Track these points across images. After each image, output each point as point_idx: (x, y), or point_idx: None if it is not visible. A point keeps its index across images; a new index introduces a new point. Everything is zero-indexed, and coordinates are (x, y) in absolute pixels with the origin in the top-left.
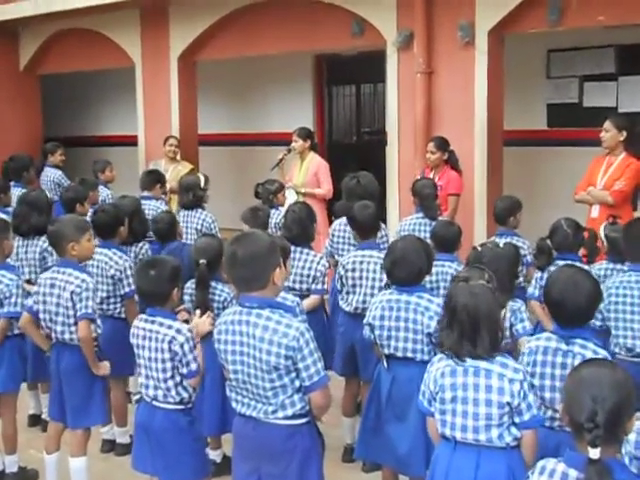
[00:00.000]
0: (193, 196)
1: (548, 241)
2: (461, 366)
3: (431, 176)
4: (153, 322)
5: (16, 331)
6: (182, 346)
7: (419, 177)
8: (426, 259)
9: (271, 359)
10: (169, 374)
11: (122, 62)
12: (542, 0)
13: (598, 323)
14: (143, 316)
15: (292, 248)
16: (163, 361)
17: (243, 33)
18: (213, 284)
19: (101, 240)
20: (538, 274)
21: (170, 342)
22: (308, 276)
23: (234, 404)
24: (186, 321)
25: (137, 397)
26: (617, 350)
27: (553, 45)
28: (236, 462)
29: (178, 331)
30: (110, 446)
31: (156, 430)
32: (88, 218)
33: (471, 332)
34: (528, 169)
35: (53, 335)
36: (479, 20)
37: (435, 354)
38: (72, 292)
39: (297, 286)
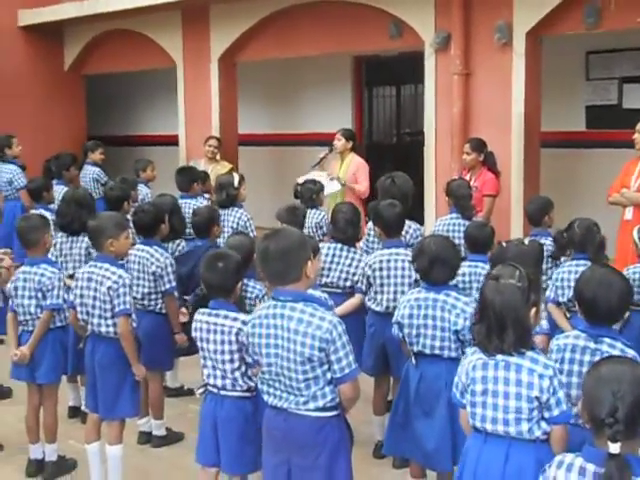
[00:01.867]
0: (226, 195)
1: (565, 235)
2: (492, 360)
3: (467, 177)
4: (217, 315)
5: (58, 323)
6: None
7: (454, 177)
8: (458, 258)
9: (305, 350)
10: (237, 364)
11: (164, 63)
12: (580, 2)
13: None
14: (206, 310)
15: (339, 246)
16: (231, 352)
17: (282, 35)
18: (245, 281)
19: (142, 238)
20: (553, 276)
21: (237, 334)
22: (354, 274)
23: (266, 397)
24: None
25: (201, 390)
26: None
27: (592, 47)
28: (266, 453)
29: (244, 322)
30: (147, 438)
31: (224, 418)
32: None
33: (497, 328)
34: (566, 171)
35: (89, 327)
36: (517, 22)
37: (462, 352)
38: (109, 287)
39: (340, 283)
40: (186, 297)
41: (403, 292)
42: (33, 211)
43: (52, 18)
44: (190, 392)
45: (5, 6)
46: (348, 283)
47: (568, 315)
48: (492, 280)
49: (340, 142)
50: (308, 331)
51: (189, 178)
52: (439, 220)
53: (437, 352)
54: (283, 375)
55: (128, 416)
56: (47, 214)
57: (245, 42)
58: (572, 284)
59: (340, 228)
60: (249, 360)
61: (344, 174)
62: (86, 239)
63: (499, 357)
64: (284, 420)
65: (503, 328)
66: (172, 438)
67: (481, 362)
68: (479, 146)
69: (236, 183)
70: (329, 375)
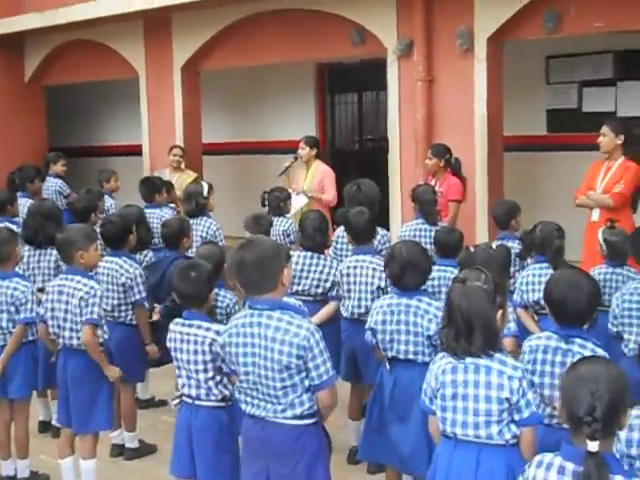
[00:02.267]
0: (196, 204)
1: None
2: (462, 363)
3: (432, 183)
4: (191, 325)
5: (30, 337)
6: (223, 347)
7: (419, 183)
8: (428, 263)
9: (283, 358)
10: (210, 374)
11: (126, 73)
12: (540, 7)
13: (615, 329)
14: (179, 320)
15: (309, 254)
16: (204, 362)
17: (245, 43)
18: (216, 290)
19: (110, 250)
20: (518, 280)
21: (211, 344)
22: (326, 281)
23: (243, 405)
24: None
25: (176, 402)
26: (630, 355)
27: (552, 51)
28: (245, 462)
29: (217, 332)
30: (119, 450)
31: (198, 428)
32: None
33: (465, 331)
34: (528, 174)
35: (60, 341)
36: (478, 27)
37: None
38: (80, 298)
39: (312, 291)
40: (156, 305)
41: (367, 299)
42: None
43: (12, 29)
44: (162, 403)
45: None
46: (320, 290)
47: (536, 318)
48: (459, 283)
49: (304, 150)
50: (285, 339)
51: (153, 188)
52: (405, 226)
53: (411, 357)
54: (261, 384)
55: (102, 429)
56: (12, 227)
57: (208, 51)
58: (537, 287)
59: (309, 235)
60: (226, 370)
61: (310, 183)
62: (54, 252)
63: (468, 360)
64: (262, 429)
65: (471, 331)
66: (145, 450)
67: (450, 366)
68: (440, 152)
69: (205, 192)
70: (307, 383)
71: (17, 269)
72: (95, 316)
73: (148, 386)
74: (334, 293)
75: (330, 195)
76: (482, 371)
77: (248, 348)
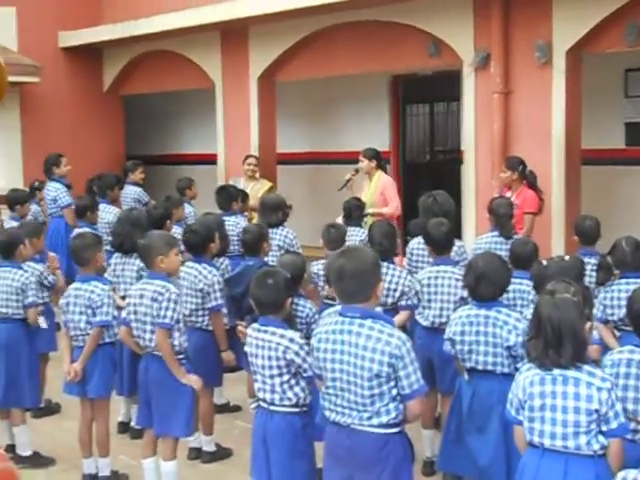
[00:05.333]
0: (283, 214)
1: (609, 258)
2: (549, 375)
3: (508, 195)
4: (266, 331)
5: (107, 339)
6: (297, 354)
7: (496, 196)
8: (506, 275)
9: (373, 366)
10: (285, 378)
11: (203, 83)
12: (621, 20)
13: None
14: (256, 326)
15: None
16: (279, 367)
17: (321, 54)
18: (296, 300)
19: (194, 256)
20: (601, 295)
21: (284, 351)
22: (395, 290)
23: (327, 413)
24: None
25: (254, 405)
26: None
27: (631, 64)
28: (328, 470)
29: (291, 340)
30: (197, 454)
31: (273, 433)
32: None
33: (555, 343)
34: (606, 188)
35: (142, 343)
36: (557, 40)
37: (515, 367)
38: (155, 300)
39: (382, 300)
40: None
41: (449, 309)
42: (78, 229)
43: (91, 40)
44: (236, 408)
45: (46, 28)
46: (389, 300)
47: (617, 334)
48: (547, 295)
49: (363, 163)
50: (377, 347)
51: (230, 197)
52: (479, 238)
53: (490, 368)
54: (348, 390)
55: (181, 435)
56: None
57: (284, 62)
58: (623, 303)
59: (376, 241)
60: (308, 374)
61: (372, 195)
62: (138, 262)
63: (556, 372)
64: (347, 436)
65: (560, 342)
66: (221, 454)
67: (538, 377)
68: (514, 164)
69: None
70: (394, 392)
71: (106, 276)
72: (167, 320)
73: (223, 391)
74: (403, 303)
75: (392, 207)
76: (571, 382)
77: (337, 355)
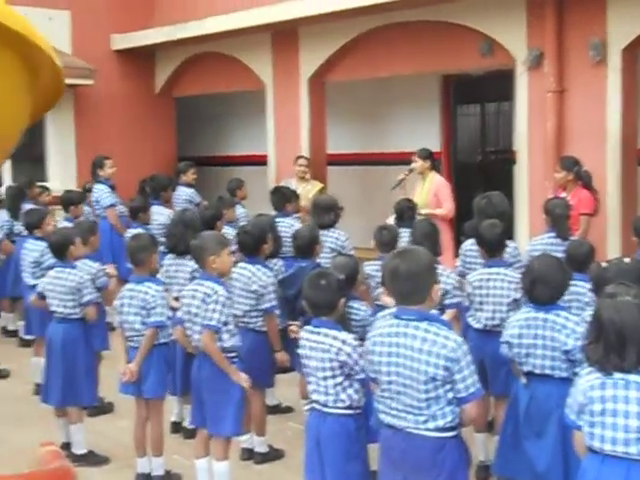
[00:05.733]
0: (335, 216)
1: None
2: (611, 379)
3: (563, 195)
4: (319, 333)
5: (162, 340)
6: (350, 356)
7: (551, 196)
8: (565, 278)
9: (429, 369)
10: (338, 380)
11: (253, 84)
12: None
13: None
14: (309, 327)
15: None
16: (332, 369)
17: (372, 54)
18: (350, 302)
19: (247, 257)
20: None
21: (337, 353)
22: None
23: (382, 415)
24: None
25: (308, 407)
26: None
27: None
28: (383, 473)
29: (344, 342)
30: (249, 454)
31: (326, 435)
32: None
33: (618, 346)
34: None
35: (194, 344)
36: (611, 38)
37: (573, 372)
38: (204, 301)
39: None
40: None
41: (501, 311)
42: (131, 230)
43: (144, 42)
44: (288, 410)
45: (99, 31)
46: None
47: None
48: (608, 298)
49: (417, 163)
50: (433, 350)
51: (284, 198)
52: (535, 239)
53: (547, 372)
54: (404, 394)
55: (233, 434)
56: None
57: (335, 62)
58: None
59: (417, 241)
60: (361, 376)
61: (426, 196)
62: (191, 262)
63: (617, 376)
64: (402, 440)
65: (623, 346)
66: (273, 455)
67: (599, 382)
68: (569, 164)
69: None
70: (450, 395)
71: (159, 276)
72: (214, 322)
73: (274, 392)
74: (447, 301)
75: (446, 209)
76: (632, 387)
77: (392, 358)
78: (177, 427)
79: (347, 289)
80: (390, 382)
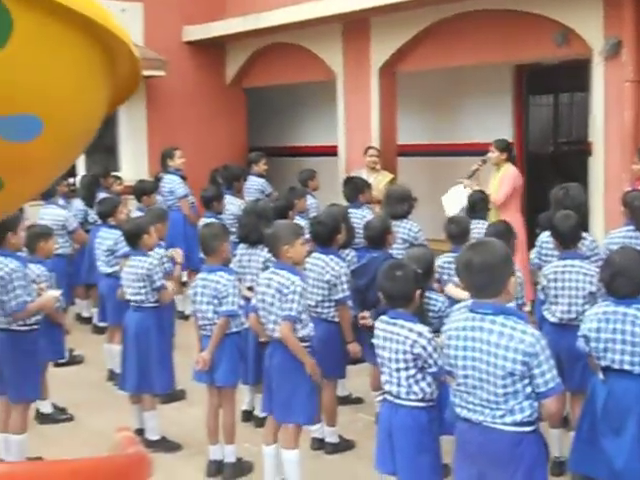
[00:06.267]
0: (408, 206)
1: None
2: None
3: None
4: (394, 324)
5: (234, 329)
6: (425, 348)
7: (629, 189)
8: None
9: (507, 364)
10: (412, 372)
11: (324, 75)
12: None
13: None
14: (385, 318)
15: None
16: (405, 361)
17: (443, 44)
18: (427, 293)
19: (320, 247)
20: None
21: (412, 345)
22: None
23: (458, 409)
24: None
25: (380, 398)
26: None
27: None
28: (458, 466)
29: (419, 334)
30: (319, 444)
31: (398, 427)
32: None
33: None
34: None
35: (268, 332)
36: None
37: None
38: (281, 292)
39: None
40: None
41: (577, 304)
42: (204, 219)
43: (216, 34)
44: (358, 400)
45: (171, 23)
46: None
47: None
48: None
49: (494, 154)
50: (510, 345)
51: (357, 188)
52: (613, 232)
53: (626, 367)
54: (481, 388)
55: (302, 423)
56: None
57: (406, 52)
58: None
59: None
60: (434, 370)
61: (498, 187)
62: (264, 252)
63: None
64: (479, 434)
65: None
66: (344, 445)
67: None
68: None
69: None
70: (528, 389)
71: (232, 266)
72: (293, 313)
73: (345, 383)
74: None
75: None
76: None
77: (469, 352)
78: (248, 416)
79: (424, 281)
80: (466, 376)
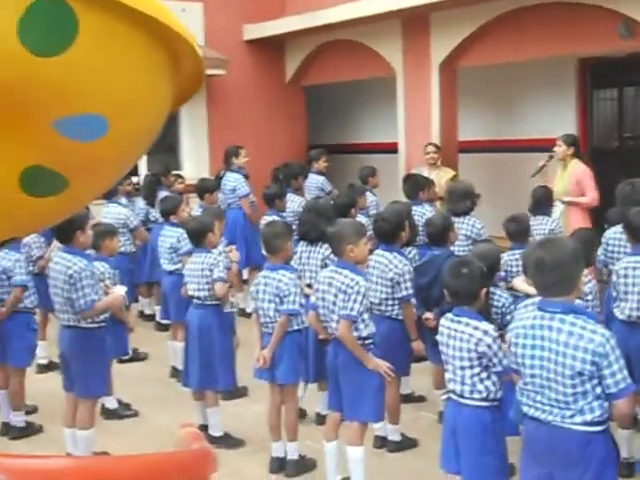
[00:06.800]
0: (470, 203)
1: None
2: None
3: None
4: (459, 322)
5: (295, 327)
6: (490, 347)
7: None
8: None
9: (576, 364)
10: (476, 370)
11: (383, 71)
12: None
13: None
14: (450, 315)
15: None
16: (470, 359)
17: (504, 39)
18: (492, 290)
19: (383, 245)
20: None
21: (477, 343)
22: None
23: (525, 408)
24: None
25: (444, 396)
26: None
27: None
28: (526, 466)
29: (485, 332)
30: (382, 442)
31: (462, 426)
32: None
33: None
34: None
35: (329, 331)
36: None
37: None
38: (343, 292)
39: None
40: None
41: None
42: (266, 217)
43: (275, 32)
44: (420, 399)
45: (231, 22)
46: None
47: None
48: None
49: (561, 148)
50: (580, 344)
51: (417, 185)
52: None
53: None
54: (549, 388)
55: (370, 420)
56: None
57: (466, 47)
58: None
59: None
60: (498, 369)
61: (566, 183)
62: (323, 249)
63: None
64: (547, 433)
65: None
66: (406, 444)
67: None
68: None
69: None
70: (598, 390)
71: (292, 264)
72: (354, 312)
73: (408, 381)
74: None
75: (590, 197)
76: None
77: (537, 351)
78: (304, 413)
79: (489, 278)
80: (534, 375)
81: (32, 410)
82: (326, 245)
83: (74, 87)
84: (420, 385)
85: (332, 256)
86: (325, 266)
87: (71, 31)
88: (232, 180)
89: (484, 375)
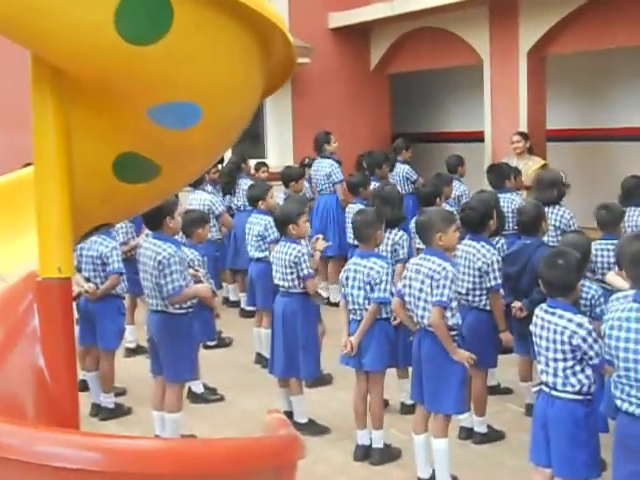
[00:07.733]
0: (558, 192)
1: None
2: None
3: None
4: (553, 314)
5: (384, 315)
6: (585, 340)
7: None
8: None
9: None
10: (570, 363)
11: (470, 59)
12: None
13: None
14: (544, 306)
15: None
16: (563, 352)
17: (596, 25)
18: (581, 281)
19: (471, 234)
20: None
21: (570, 336)
22: None
23: (619, 402)
24: None
25: (536, 388)
26: None
27: None
28: (618, 462)
29: (579, 325)
30: (467, 433)
31: (553, 419)
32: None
33: None
34: None
35: (415, 319)
36: None
37: None
38: (432, 278)
39: None
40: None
41: None
42: (352, 205)
43: (362, 19)
44: (507, 391)
45: (318, 10)
46: None
47: None
48: None
49: None
50: None
51: (502, 175)
52: None
53: None
54: None
55: (452, 412)
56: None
57: (555, 35)
58: None
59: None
60: (594, 362)
61: None
62: (392, 236)
63: None
64: None
65: None
66: (493, 436)
67: None
68: None
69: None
70: None
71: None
72: (445, 298)
73: (495, 373)
74: None
75: None
76: None
77: (631, 344)
78: (386, 402)
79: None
80: (628, 369)
81: (121, 392)
82: (395, 231)
83: (168, 75)
84: (507, 377)
85: (401, 241)
86: (394, 252)
87: (166, 20)
88: (327, 166)
89: (578, 368)
